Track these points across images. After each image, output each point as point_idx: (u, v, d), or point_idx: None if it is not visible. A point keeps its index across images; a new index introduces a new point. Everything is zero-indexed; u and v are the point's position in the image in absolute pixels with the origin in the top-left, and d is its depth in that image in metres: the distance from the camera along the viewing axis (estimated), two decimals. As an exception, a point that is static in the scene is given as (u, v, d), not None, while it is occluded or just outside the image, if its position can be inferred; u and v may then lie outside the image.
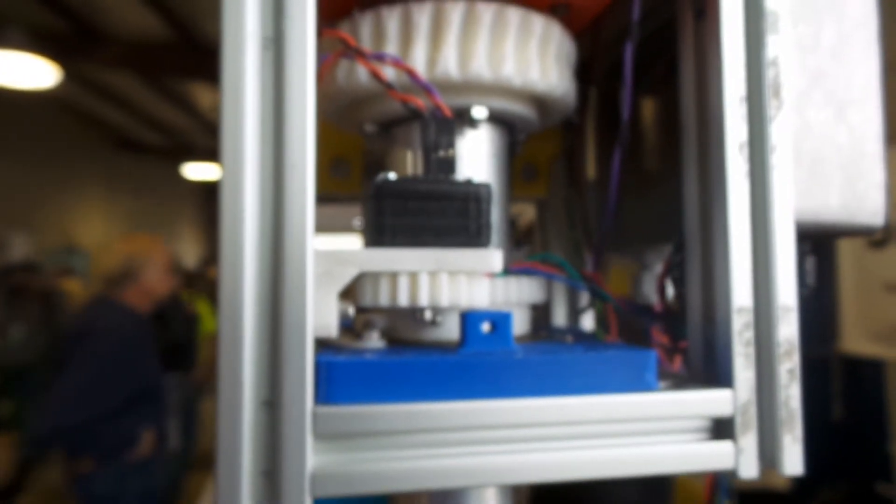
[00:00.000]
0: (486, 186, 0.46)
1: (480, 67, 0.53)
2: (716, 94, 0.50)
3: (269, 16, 0.43)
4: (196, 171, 10.65)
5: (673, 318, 0.56)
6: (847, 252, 3.45)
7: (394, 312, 0.55)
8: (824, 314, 3.55)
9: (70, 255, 8.53)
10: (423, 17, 0.53)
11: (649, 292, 0.74)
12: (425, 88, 0.48)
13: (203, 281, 6.11)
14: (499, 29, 0.53)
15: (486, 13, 0.53)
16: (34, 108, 7.78)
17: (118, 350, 2.35)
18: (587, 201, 0.75)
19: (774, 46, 0.50)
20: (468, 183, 0.46)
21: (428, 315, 0.50)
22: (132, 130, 9.58)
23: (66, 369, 2.29)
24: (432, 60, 0.52)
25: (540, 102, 0.60)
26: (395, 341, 0.54)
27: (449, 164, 0.46)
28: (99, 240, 8.98)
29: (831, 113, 0.52)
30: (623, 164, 0.59)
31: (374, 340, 0.51)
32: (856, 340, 3.47)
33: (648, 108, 0.72)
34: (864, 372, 3.47)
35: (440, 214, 0.45)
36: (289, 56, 0.43)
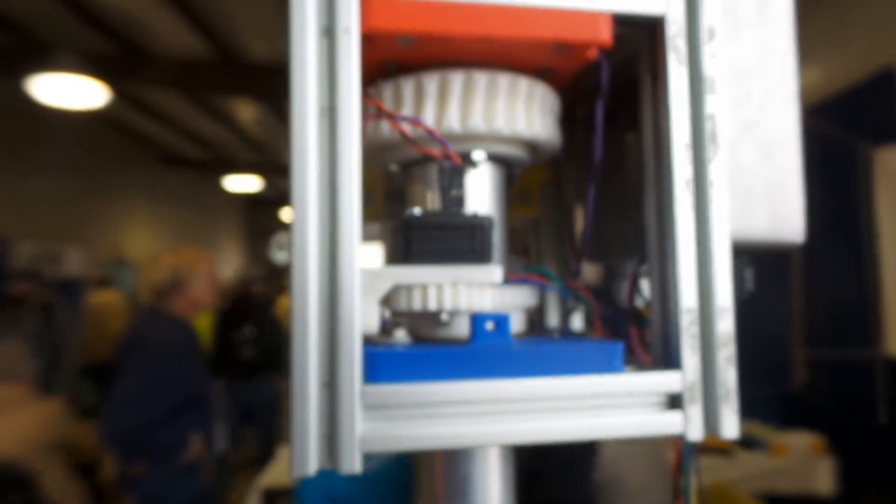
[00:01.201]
0: (489, 219, 0.60)
1: (477, 122, 0.67)
2: (667, 140, 0.64)
3: (325, 90, 0.58)
4: (236, 183, 11.00)
5: (640, 317, 0.70)
6: (890, 254, 3.38)
7: (415, 315, 0.69)
8: (867, 316, 3.48)
9: (119, 267, 8.93)
10: (431, 85, 0.67)
11: (621, 296, 0.87)
12: (440, 142, 0.62)
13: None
14: (492, 91, 0.67)
15: (482, 80, 0.67)
16: (84, 127, 8.18)
17: (167, 358, 2.47)
18: (572, 221, 0.90)
19: (711, 104, 0.64)
20: (475, 216, 0.60)
21: (444, 317, 0.64)
22: (175, 145, 9.93)
23: (120, 376, 2.40)
24: (439, 118, 0.66)
25: (529, 145, 0.74)
26: (417, 338, 0.68)
27: (460, 201, 0.61)
28: (145, 252, 9.40)
29: (761, 154, 0.67)
30: (599, 192, 0.73)
31: (402, 337, 0.65)
32: None
33: (621, 142, 0.86)
34: None
35: (454, 240, 0.59)
36: (341, 122, 0.57)
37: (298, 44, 0.57)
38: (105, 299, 6.40)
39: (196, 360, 2.68)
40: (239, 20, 5.62)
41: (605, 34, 0.63)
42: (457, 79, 0.67)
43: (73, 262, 8.34)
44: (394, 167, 0.73)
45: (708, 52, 0.64)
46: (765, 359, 3.93)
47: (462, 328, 0.66)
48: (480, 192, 0.72)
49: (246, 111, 8.38)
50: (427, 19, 0.60)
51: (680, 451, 0.78)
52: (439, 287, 0.61)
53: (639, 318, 0.70)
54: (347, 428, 0.55)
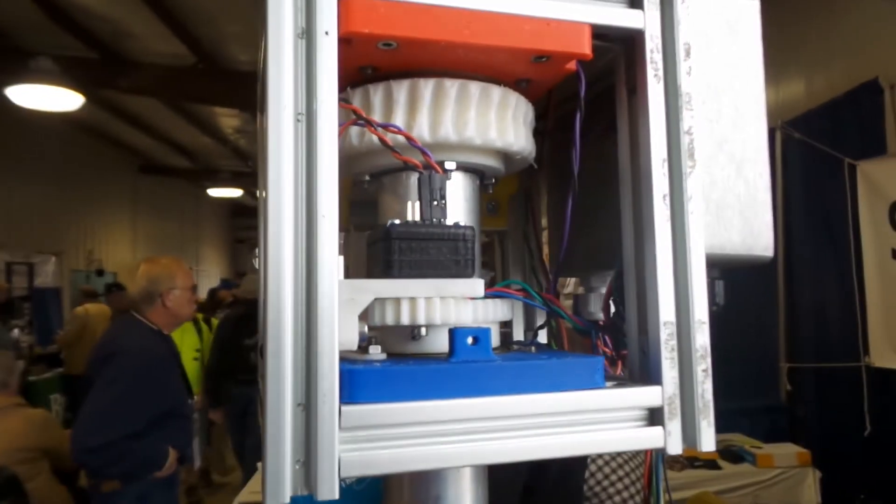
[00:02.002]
0: (471, 229, 0.59)
1: (447, 132, 0.65)
2: (645, 155, 0.64)
3: (301, 94, 0.55)
4: (219, 191, 10.83)
5: (616, 330, 0.69)
6: (873, 265, 3.31)
7: (387, 330, 0.67)
8: (851, 328, 3.43)
9: (97, 277, 8.77)
10: (401, 92, 0.65)
11: (595, 310, 0.87)
12: (421, 150, 0.60)
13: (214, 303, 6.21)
14: (462, 99, 0.66)
15: (452, 88, 0.66)
16: (63, 135, 8.02)
17: (142, 370, 2.38)
18: (540, 234, 0.89)
19: (688, 119, 0.64)
20: (457, 226, 0.58)
21: (423, 331, 0.61)
22: (157, 154, 9.71)
23: (92, 389, 2.31)
24: (408, 127, 0.64)
25: (502, 154, 0.73)
26: (390, 354, 0.65)
27: (442, 211, 0.59)
28: (125, 262, 9.32)
29: (733, 170, 0.68)
30: (568, 204, 0.73)
31: (378, 353, 0.62)
32: (883, 355, 3.32)
33: (590, 158, 0.86)
34: (893, 386, 3.32)
35: (437, 252, 0.57)
36: (320, 128, 0.54)
37: (275, 46, 0.54)
38: (92, 310, 6.34)
39: (173, 372, 2.60)
40: (223, 28, 5.56)
41: (586, 46, 0.63)
42: (427, 86, 0.65)
43: (49, 272, 8.26)
44: (365, 176, 0.70)
45: (684, 68, 0.65)
46: (750, 371, 3.95)
47: (439, 343, 0.64)
48: (454, 203, 0.70)
49: (229, 120, 8.30)
50: (410, 23, 0.58)
51: (650, 465, 0.78)
52: (423, 301, 0.59)
53: (616, 331, 0.70)
54: (326, 452, 0.52)
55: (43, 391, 5.65)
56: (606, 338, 0.72)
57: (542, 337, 0.95)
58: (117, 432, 2.20)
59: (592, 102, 0.79)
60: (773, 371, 4.12)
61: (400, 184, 0.71)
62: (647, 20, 0.64)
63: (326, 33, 0.55)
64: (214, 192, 10.92)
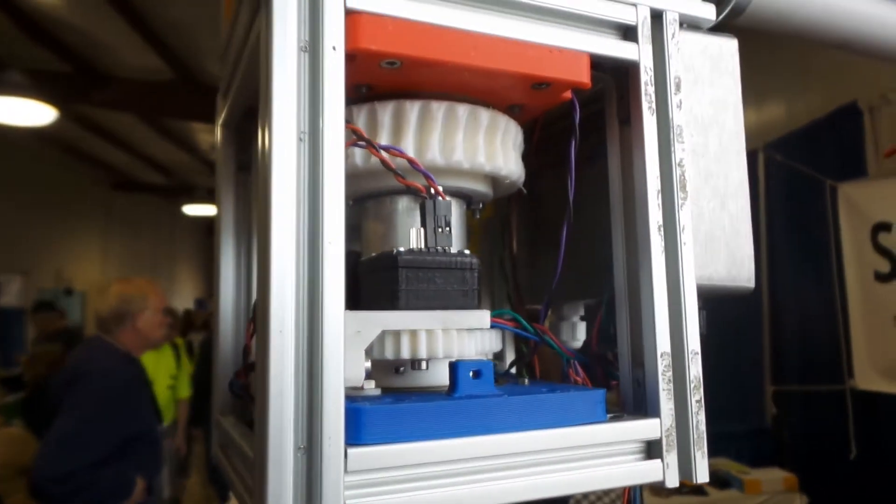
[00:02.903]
0: (476, 258, 0.56)
1: (434, 156, 0.63)
2: (640, 186, 0.65)
3: (304, 112, 0.51)
4: (195, 209, 10.44)
5: (608, 362, 0.69)
6: (856, 288, 3.26)
7: (377, 363, 0.63)
8: (836, 351, 3.35)
9: (65, 296, 8.44)
10: (385, 115, 0.63)
11: (567, 339, 0.87)
12: (426, 176, 0.58)
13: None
14: (450, 122, 0.64)
15: (439, 110, 0.64)
16: (31, 149, 7.63)
17: (110, 394, 2.25)
18: (515, 261, 0.88)
19: (680, 152, 0.65)
20: (463, 254, 0.56)
21: (423, 365, 0.58)
22: (132, 170, 9.33)
23: (57, 415, 2.17)
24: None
25: (490, 179, 0.71)
26: (383, 388, 0.61)
27: (447, 238, 0.56)
28: (95, 281, 8.87)
29: (718, 203, 0.69)
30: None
31: (373, 389, 0.58)
32: (868, 377, 3.23)
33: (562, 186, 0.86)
34: (879, 409, 3.24)
35: (444, 281, 0.54)
36: (327, 146, 0.50)
37: (279, 60, 0.50)
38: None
39: (141, 396, 2.47)
40: (202, 43, 5.30)
41: (585, 75, 0.63)
42: (413, 108, 0.63)
43: (14, 292, 8.08)
44: (348, 201, 0.67)
45: (675, 102, 0.66)
46: (735, 394, 3.85)
47: (436, 376, 0.61)
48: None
49: (207, 135, 7.95)
50: (418, 43, 0.55)
51: (629, 493, 0.77)
52: (425, 333, 0.56)
53: (606, 363, 0.69)
54: (331, 500, 0.47)
55: (5, 415, 5.24)
56: (581, 367, 0.71)
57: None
58: (80, 460, 2.08)
59: (565, 133, 0.80)
60: (758, 394, 4.04)
61: (384, 208, 0.68)
62: (641, 53, 0.65)
63: (334, 48, 0.51)
64: (190, 210, 10.41)
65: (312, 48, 0.52)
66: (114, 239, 10.02)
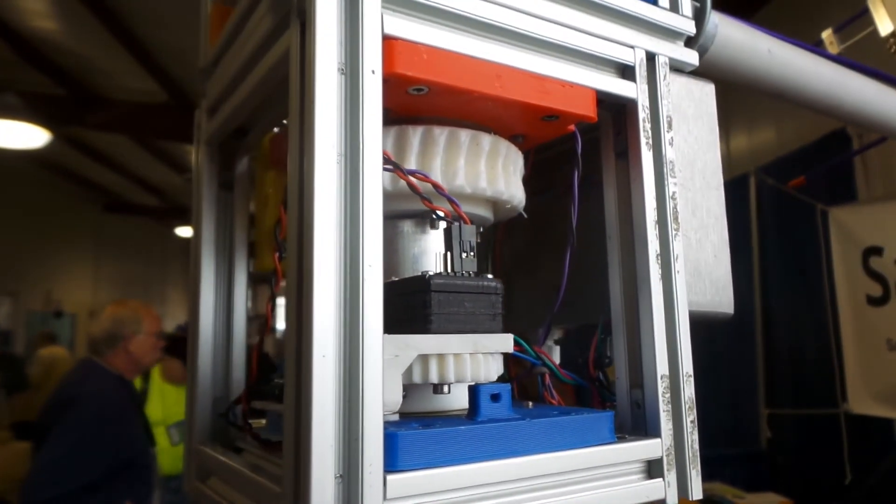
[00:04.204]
0: (501, 282, 0.58)
1: (436, 180, 0.64)
2: (639, 217, 0.68)
3: (343, 134, 0.51)
4: (187, 231, 9.89)
5: (604, 385, 0.71)
6: (847, 311, 3.22)
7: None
8: (829, 374, 3.33)
9: (55, 319, 8.42)
10: (388, 140, 0.63)
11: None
12: (451, 201, 0.58)
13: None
14: (452, 148, 0.65)
15: (441, 136, 0.65)
16: (24, 171, 7.56)
17: (100, 418, 2.19)
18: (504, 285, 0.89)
19: (672, 185, 0.70)
20: (488, 278, 0.57)
21: (446, 389, 0.58)
22: (124, 191, 9.24)
23: (48, 439, 2.11)
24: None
25: (491, 203, 0.73)
26: (402, 414, 0.61)
27: (472, 263, 0.57)
28: (86, 304, 8.86)
29: (703, 234, 0.74)
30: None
31: (391, 414, 0.58)
32: (861, 402, 3.19)
33: (558, 216, 0.89)
34: (872, 433, 3.20)
35: (472, 305, 0.55)
36: (364, 170, 0.50)
37: (321, 82, 0.50)
38: (58, 353, 5.90)
39: (133, 420, 2.40)
40: (196, 66, 5.16)
41: (592, 110, 0.66)
42: (416, 134, 0.64)
43: (3, 314, 8.03)
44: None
45: (667, 138, 0.70)
46: (730, 418, 3.85)
47: (455, 400, 0.61)
48: (441, 253, 0.69)
49: None
50: (449, 71, 0.56)
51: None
52: (452, 357, 0.56)
53: (602, 385, 0.72)
54: (373, 528, 0.46)
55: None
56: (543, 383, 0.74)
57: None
58: (70, 484, 2.02)
59: (558, 159, 0.83)
60: (753, 418, 3.97)
61: (388, 231, 0.68)
62: (638, 91, 0.69)
63: (373, 72, 0.52)
64: (182, 232, 10.16)
65: (351, 71, 0.51)
66: (105, 260, 9.94)
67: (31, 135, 5.14)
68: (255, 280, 0.89)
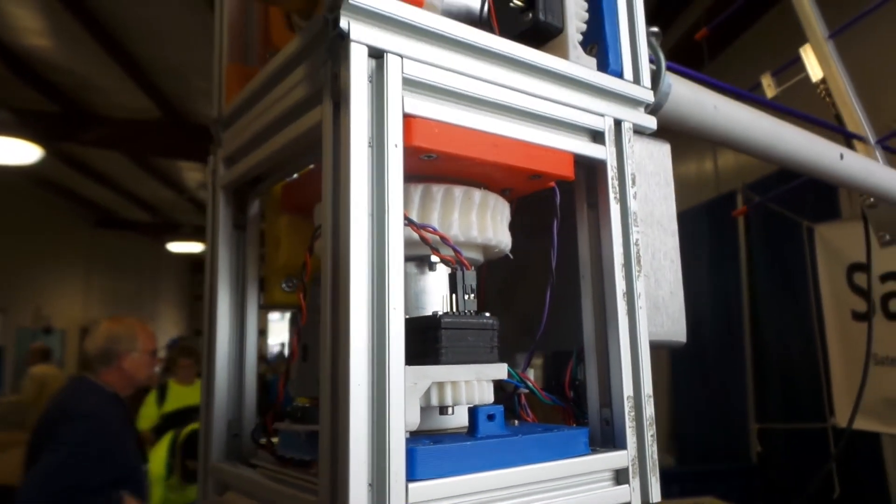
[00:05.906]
0: (497, 319, 0.68)
1: (444, 234, 0.75)
2: (608, 261, 0.80)
3: (372, 197, 0.61)
4: (179, 247, 10.40)
5: (579, 406, 0.82)
6: (834, 326, 3.25)
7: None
8: (817, 389, 3.36)
9: (44, 335, 8.31)
10: None
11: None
12: (454, 250, 0.69)
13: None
14: (447, 202, 0.76)
15: (438, 192, 0.76)
16: (15, 187, 7.51)
17: (92, 435, 2.17)
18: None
19: (636, 233, 0.82)
20: (486, 316, 0.68)
21: (450, 411, 0.68)
22: (116, 207, 9.23)
23: (39, 456, 2.09)
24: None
25: (483, 247, 0.84)
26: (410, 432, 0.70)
27: (472, 303, 0.67)
28: (76, 319, 8.83)
29: (661, 274, 0.86)
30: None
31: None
32: (848, 415, 3.07)
33: (530, 252, 1.00)
34: (859, 447, 3.24)
35: (475, 339, 0.65)
36: (390, 228, 0.60)
37: (356, 155, 0.60)
38: (49, 371, 5.84)
39: (125, 437, 2.38)
40: (191, 84, 5.33)
41: (571, 170, 0.78)
42: (417, 190, 0.74)
43: None
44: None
45: (632, 192, 0.83)
46: (721, 432, 3.88)
47: (454, 419, 0.71)
48: (438, 292, 0.79)
49: (193, 173, 7.98)
50: (456, 142, 0.67)
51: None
52: (451, 384, 0.66)
53: (578, 406, 0.83)
54: (399, 527, 0.56)
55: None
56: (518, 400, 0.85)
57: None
58: (61, 501, 2.00)
59: (537, 205, 0.95)
60: (743, 432, 4.01)
61: (395, 272, 0.78)
62: (608, 153, 0.82)
63: (396, 146, 0.62)
64: (174, 247, 10.17)
65: (377, 144, 0.62)
66: (96, 276, 9.82)
67: (24, 151, 5.11)
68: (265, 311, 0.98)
